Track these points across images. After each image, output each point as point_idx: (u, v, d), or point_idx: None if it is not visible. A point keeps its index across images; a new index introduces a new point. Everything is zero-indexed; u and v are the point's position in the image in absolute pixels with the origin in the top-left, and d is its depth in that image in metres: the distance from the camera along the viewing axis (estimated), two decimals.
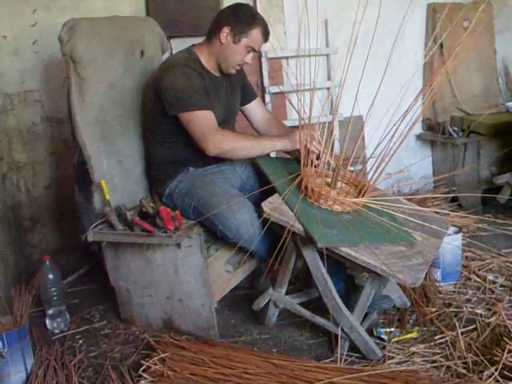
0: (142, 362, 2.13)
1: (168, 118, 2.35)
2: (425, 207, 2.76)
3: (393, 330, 2.28)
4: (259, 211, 2.18)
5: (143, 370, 2.07)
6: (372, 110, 2.17)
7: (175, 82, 2.30)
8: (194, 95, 2.31)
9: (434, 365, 2.05)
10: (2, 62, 2.98)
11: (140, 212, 2.30)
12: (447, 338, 2.20)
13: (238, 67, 2.48)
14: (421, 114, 2.23)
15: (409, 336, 2.25)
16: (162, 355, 2.11)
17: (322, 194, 2.18)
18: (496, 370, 1.90)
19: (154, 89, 2.37)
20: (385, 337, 2.24)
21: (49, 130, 3.15)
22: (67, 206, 3.04)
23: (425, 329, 2.30)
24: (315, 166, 2.33)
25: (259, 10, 3.38)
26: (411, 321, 2.37)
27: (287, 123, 3.42)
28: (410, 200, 2.57)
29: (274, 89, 3.55)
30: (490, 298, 2.51)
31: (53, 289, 2.50)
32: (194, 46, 2.50)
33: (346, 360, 2.13)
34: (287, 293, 2.33)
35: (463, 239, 2.80)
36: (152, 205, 2.30)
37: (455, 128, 3.83)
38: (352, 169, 2.49)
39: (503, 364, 1.90)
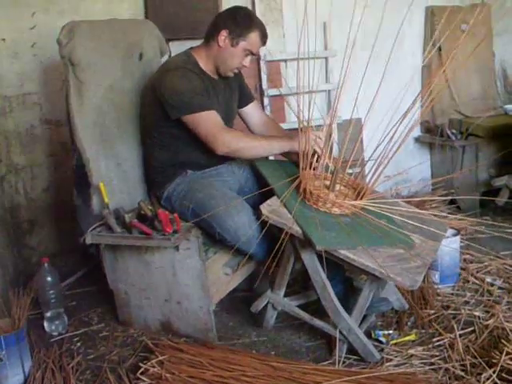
0: (140, 364, 2.12)
1: (167, 121, 2.35)
2: (423, 210, 2.76)
3: (391, 332, 2.29)
4: (258, 214, 2.18)
5: (141, 373, 2.07)
6: (371, 112, 2.17)
7: (176, 84, 2.30)
8: (196, 97, 2.31)
9: (432, 367, 2.05)
10: (1, 65, 2.97)
11: (138, 215, 2.30)
12: (445, 340, 2.20)
13: (236, 70, 2.49)
14: (419, 117, 2.23)
15: (407, 338, 2.25)
16: (160, 358, 2.11)
17: (320, 197, 2.18)
18: (494, 372, 1.90)
19: (153, 92, 2.37)
20: (383, 339, 2.24)
21: (47, 132, 3.15)
22: (65, 208, 3.03)
23: (423, 331, 2.30)
24: (314, 169, 2.33)
25: (258, 12, 3.39)
26: (409, 323, 2.37)
27: (286, 126, 3.44)
28: (408, 202, 2.57)
29: (273, 91, 3.55)
30: (488, 300, 2.51)
31: (51, 291, 2.50)
32: (192, 48, 2.51)
33: (344, 362, 2.13)
34: (285, 295, 2.33)
35: (461, 242, 2.80)
36: (150, 207, 2.30)
37: (453, 130, 3.84)
38: (350, 171, 2.49)
39: (501, 366, 1.90)
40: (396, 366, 2.08)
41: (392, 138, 2.09)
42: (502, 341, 2.02)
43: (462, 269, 2.79)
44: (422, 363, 2.08)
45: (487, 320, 2.31)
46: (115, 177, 2.49)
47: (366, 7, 2.17)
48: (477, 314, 2.38)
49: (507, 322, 2.24)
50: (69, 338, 2.47)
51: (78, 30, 2.37)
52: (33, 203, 3.19)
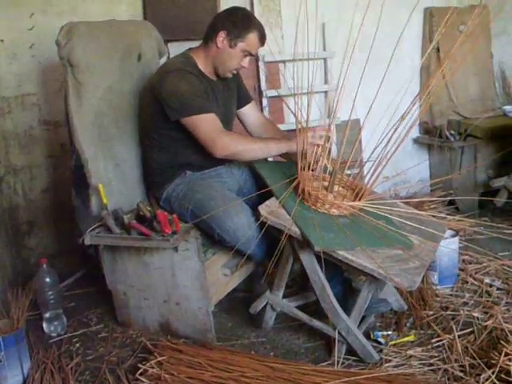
0: (139, 365, 2.12)
1: (166, 123, 2.35)
2: (422, 211, 2.76)
3: (390, 333, 2.29)
4: (256, 215, 2.18)
5: (140, 374, 2.07)
6: (369, 113, 2.18)
7: (176, 86, 2.30)
8: (196, 99, 2.31)
9: (431, 368, 2.06)
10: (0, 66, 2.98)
11: (137, 216, 2.30)
12: (444, 341, 2.20)
13: (234, 71, 2.49)
14: (418, 118, 2.24)
15: (406, 339, 2.25)
16: (159, 358, 2.11)
17: (319, 198, 2.18)
18: (493, 373, 1.90)
19: (152, 93, 2.37)
20: (382, 340, 2.24)
21: (46, 133, 3.15)
22: (64, 209, 3.02)
23: (422, 332, 2.31)
24: (312, 170, 2.33)
25: (256, 13, 3.39)
26: (408, 324, 2.37)
27: (284, 127, 3.44)
28: (406, 203, 2.58)
29: (272, 92, 3.55)
30: (487, 301, 2.51)
31: (50, 292, 2.49)
32: (190, 49, 2.50)
33: (343, 363, 2.13)
34: (284, 296, 2.33)
35: (460, 242, 2.81)
36: (149, 208, 2.30)
37: (452, 131, 3.84)
38: (349, 172, 2.49)
39: (500, 367, 1.90)
40: (395, 366, 2.08)
41: (390, 138, 2.09)
42: (501, 342, 2.02)
43: (460, 270, 2.79)
44: (420, 364, 2.08)
45: (486, 321, 2.32)
46: (114, 178, 2.49)
47: (365, 8, 2.16)
48: (475, 314, 2.39)
49: (506, 322, 2.24)
50: (68, 338, 2.47)
51: (76, 31, 2.37)
52: (31, 204, 3.19)
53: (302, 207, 2.18)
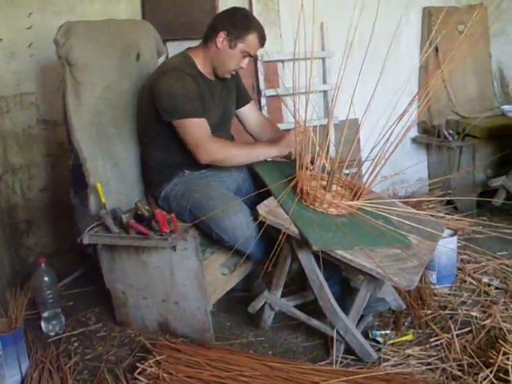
0: (138, 364, 2.12)
1: (164, 122, 2.35)
2: (420, 210, 2.76)
3: (388, 332, 2.29)
4: (255, 214, 2.18)
5: (139, 373, 2.07)
6: (367, 113, 2.17)
7: (170, 87, 2.30)
8: (188, 102, 2.31)
9: (430, 367, 2.06)
10: None
11: (135, 215, 2.30)
12: (442, 340, 2.20)
13: (233, 72, 2.48)
14: (416, 117, 2.24)
15: (404, 338, 2.25)
16: (158, 358, 2.11)
17: (317, 197, 2.18)
18: (491, 372, 1.90)
19: (150, 93, 2.37)
20: (380, 339, 2.24)
21: (44, 132, 3.15)
22: (63, 208, 3.03)
23: (420, 331, 2.31)
24: (310, 170, 2.33)
25: (255, 13, 3.39)
26: (406, 323, 2.37)
27: (283, 126, 3.44)
28: (405, 203, 2.57)
29: (270, 92, 3.55)
30: (485, 300, 2.51)
31: (48, 291, 2.49)
32: (189, 49, 2.50)
33: (341, 362, 2.13)
34: (283, 295, 2.33)
35: (458, 242, 2.80)
36: (147, 208, 2.30)
37: (450, 131, 3.84)
38: (347, 172, 2.49)
39: (498, 366, 1.90)
40: (393, 366, 2.08)
41: (389, 138, 2.09)
42: (499, 341, 2.02)
43: (459, 269, 2.79)
44: (419, 363, 2.08)
45: (484, 320, 2.32)
46: (112, 177, 2.49)
47: (364, 8, 2.16)
48: (474, 314, 2.39)
49: (504, 322, 2.25)
50: (66, 338, 2.47)
51: (74, 30, 2.37)
52: (30, 203, 3.19)
53: (301, 207, 2.18)
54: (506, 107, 4.01)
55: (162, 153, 2.46)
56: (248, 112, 2.72)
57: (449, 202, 3.78)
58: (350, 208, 2.19)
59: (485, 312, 2.40)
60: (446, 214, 3.29)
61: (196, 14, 3.25)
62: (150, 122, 2.43)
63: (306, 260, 2.11)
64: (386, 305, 2.32)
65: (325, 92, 3.78)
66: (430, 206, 3.59)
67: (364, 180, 2.25)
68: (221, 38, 2.37)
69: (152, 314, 2.43)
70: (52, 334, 2.50)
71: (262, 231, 2.16)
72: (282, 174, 2.38)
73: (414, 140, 4.20)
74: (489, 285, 2.66)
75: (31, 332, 2.43)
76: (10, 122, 3.05)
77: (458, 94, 4.14)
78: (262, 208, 2.16)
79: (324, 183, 2.29)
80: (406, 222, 2.21)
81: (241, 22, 2.36)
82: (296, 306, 2.32)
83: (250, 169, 2.56)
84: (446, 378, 1.98)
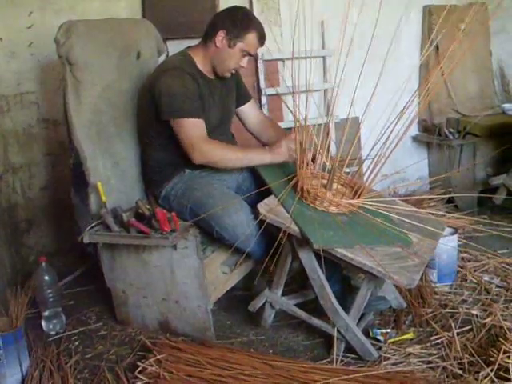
0: (138, 363, 2.13)
1: (163, 122, 2.35)
2: (421, 208, 2.76)
3: (389, 330, 2.29)
4: (255, 213, 2.18)
5: (139, 372, 2.07)
6: (368, 111, 2.17)
7: (169, 86, 2.30)
8: (187, 101, 2.30)
9: (430, 365, 2.06)
10: None
11: (136, 214, 2.30)
12: (443, 338, 2.20)
13: (233, 71, 2.48)
14: (416, 116, 2.24)
15: (405, 337, 2.25)
16: (158, 356, 2.11)
17: (317, 196, 2.18)
18: (492, 370, 1.91)
19: (150, 92, 2.37)
20: (381, 338, 2.24)
21: (45, 131, 3.15)
22: (63, 207, 3.03)
23: (421, 330, 2.31)
24: (311, 168, 2.33)
25: (255, 12, 3.39)
26: (407, 322, 2.37)
27: (284, 125, 3.44)
28: (405, 201, 2.57)
29: (270, 91, 3.55)
30: (486, 298, 2.51)
31: (49, 290, 2.49)
32: (189, 48, 2.50)
33: (342, 361, 2.13)
34: (283, 294, 2.33)
35: (459, 240, 2.80)
36: (148, 206, 2.30)
37: (451, 129, 3.84)
38: (348, 170, 2.49)
39: (499, 364, 1.90)
40: (394, 364, 2.08)
41: (389, 136, 2.09)
42: (500, 339, 2.02)
43: (459, 267, 2.79)
44: (419, 362, 2.08)
45: (485, 318, 2.32)
46: (113, 176, 2.49)
47: (364, 6, 2.16)
48: (474, 312, 2.39)
49: (505, 320, 2.25)
50: (67, 337, 2.47)
51: (75, 29, 2.37)
52: (30, 202, 3.19)
53: (301, 205, 2.18)
54: (506, 105, 4.01)
55: (163, 152, 2.46)
56: (248, 111, 2.72)
57: (449, 201, 3.78)
58: (351, 206, 2.20)
59: (485, 310, 2.40)
60: (446, 212, 3.28)
61: (196, 12, 3.25)
62: (150, 121, 2.43)
63: (307, 258, 2.11)
64: (386, 303, 2.32)
65: (325, 91, 3.78)
66: (431, 204, 3.59)
67: (364, 178, 2.25)
68: (220, 37, 2.37)
69: (152, 312, 2.43)
70: (53, 332, 2.50)
71: (262, 230, 2.16)
72: (283, 173, 2.38)
73: (414, 138, 4.20)
74: (489, 283, 2.66)
75: (32, 331, 2.42)
76: (10, 121, 3.05)
77: (458, 92, 4.14)
78: (262, 206, 2.16)
79: (325, 182, 2.29)
80: (406, 220, 2.21)
81: (240, 21, 2.36)
82: (297, 305, 2.32)
83: (251, 167, 2.56)
84: (447, 377, 1.98)
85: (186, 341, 2.31)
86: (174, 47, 3.06)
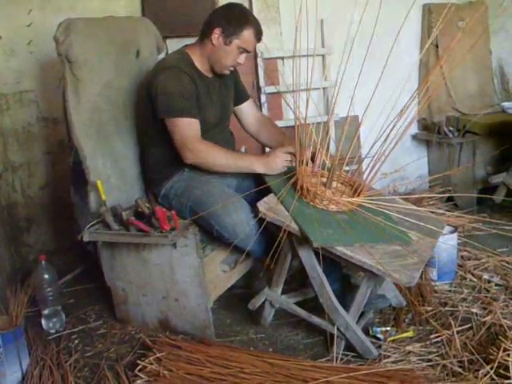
0: (138, 361, 2.13)
1: (161, 120, 2.35)
2: (420, 207, 2.76)
3: (388, 329, 2.29)
4: (255, 211, 2.18)
5: (139, 370, 2.07)
6: (368, 110, 2.17)
7: (166, 85, 2.30)
8: (183, 100, 2.30)
9: (430, 364, 2.06)
10: None
11: (136, 212, 2.30)
12: (443, 337, 2.20)
13: (231, 68, 2.47)
14: (416, 114, 2.24)
15: (404, 335, 2.25)
16: (158, 355, 2.11)
17: (317, 194, 2.18)
18: (491, 368, 1.91)
19: (147, 90, 2.37)
20: (381, 336, 2.24)
21: (44, 130, 3.15)
22: (63, 206, 3.03)
23: (420, 328, 2.31)
24: (311, 167, 2.33)
25: (255, 10, 3.39)
26: (407, 320, 2.37)
27: (283, 123, 3.44)
28: (405, 200, 2.57)
29: (270, 89, 3.55)
30: (486, 297, 2.51)
31: (48, 289, 2.49)
32: (186, 46, 2.49)
33: (341, 359, 2.14)
34: (283, 292, 2.33)
35: (459, 239, 2.81)
36: (148, 205, 2.30)
37: (451, 128, 3.84)
38: (347, 168, 2.49)
39: (498, 363, 1.90)
40: (394, 362, 2.08)
41: (389, 135, 2.09)
42: (500, 337, 2.02)
43: (459, 266, 2.79)
44: (419, 360, 2.09)
45: (484, 317, 2.32)
46: (112, 174, 2.49)
47: (364, 5, 2.16)
48: (474, 310, 2.39)
49: (504, 318, 2.25)
50: (66, 335, 2.47)
51: (74, 27, 2.36)
52: (30, 201, 3.19)
53: (301, 203, 2.18)
54: (506, 104, 4.01)
55: (162, 151, 2.46)
56: (246, 109, 2.71)
57: (449, 199, 3.77)
58: (351, 205, 2.20)
59: (485, 309, 2.40)
60: (446, 210, 3.28)
61: (196, 10, 3.24)
62: (149, 120, 2.42)
63: (307, 257, 2.11)
64: (386, 301, 2.32)
65: (325, 89, 3.78)
66: (431, 202, 3.58)
67: (364, 177, 2.25)
68: (216, 35, 2.36)
69: (152, 311, 2.43)
70: (52, 331, 2.50)
71: (262, 228, 2.16)
72: (283, 171, 2.37)
73: (414, 137, 4.20)
74: (489, 281, 2.66)
75: (32, 329, 2.43)
76: (9, 119, 3.05)
77: (458, 91, 4.14)
78: (262, 205, 2.16)
79: (324, 180, 2.29)
80: (406, 218, 2.21)
81: (236, 18, 2.35)
82: (296, 303, 2.32)
83: None
84: (447, 375, 1.98)
85: (186, 339, 2.31)
86: (174, 45, 3.06)
